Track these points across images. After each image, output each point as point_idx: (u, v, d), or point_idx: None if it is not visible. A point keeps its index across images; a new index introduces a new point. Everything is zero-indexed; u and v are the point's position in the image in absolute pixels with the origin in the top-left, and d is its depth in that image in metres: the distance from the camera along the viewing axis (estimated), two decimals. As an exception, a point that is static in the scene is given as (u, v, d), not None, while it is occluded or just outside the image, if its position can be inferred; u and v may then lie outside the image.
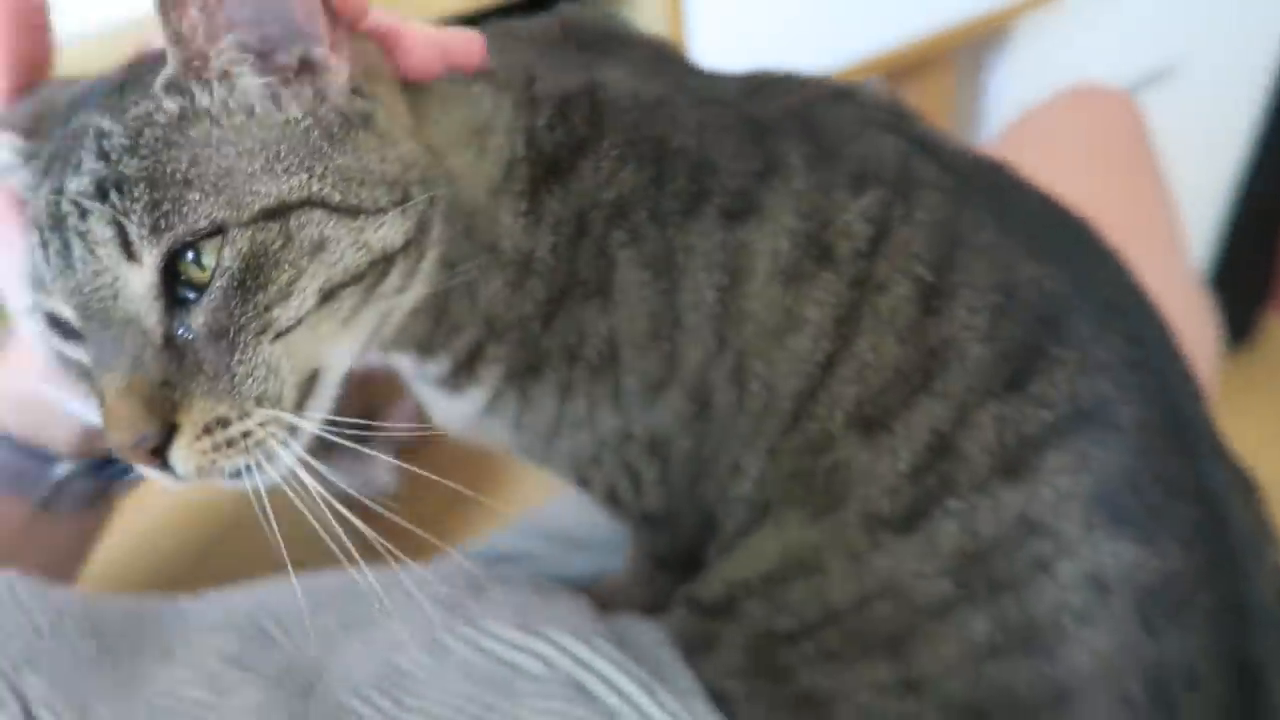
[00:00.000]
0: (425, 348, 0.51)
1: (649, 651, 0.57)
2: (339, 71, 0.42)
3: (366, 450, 0.46)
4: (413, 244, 0.43)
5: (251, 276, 0.38)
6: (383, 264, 0.42)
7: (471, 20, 0.57)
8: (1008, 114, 1.65)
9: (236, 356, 0.38)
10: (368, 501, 0.44)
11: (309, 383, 0.42)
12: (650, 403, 0.51)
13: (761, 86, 0.54)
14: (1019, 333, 0.47)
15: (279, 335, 0.39)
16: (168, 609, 0.50)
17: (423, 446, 0.59)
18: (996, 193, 0.52)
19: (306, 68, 0.41)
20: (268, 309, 0.39)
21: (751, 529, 0.52)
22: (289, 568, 0.40)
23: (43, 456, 0.52)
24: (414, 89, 0.47)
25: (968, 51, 1.60)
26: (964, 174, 0.51)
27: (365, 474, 0.65)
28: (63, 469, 0.52)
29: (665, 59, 0.55)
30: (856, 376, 0.48)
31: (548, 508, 0.83)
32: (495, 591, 0.60)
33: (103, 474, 0.52)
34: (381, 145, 0.43)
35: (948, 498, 0.46)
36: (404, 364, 0.54)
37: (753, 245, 0.49)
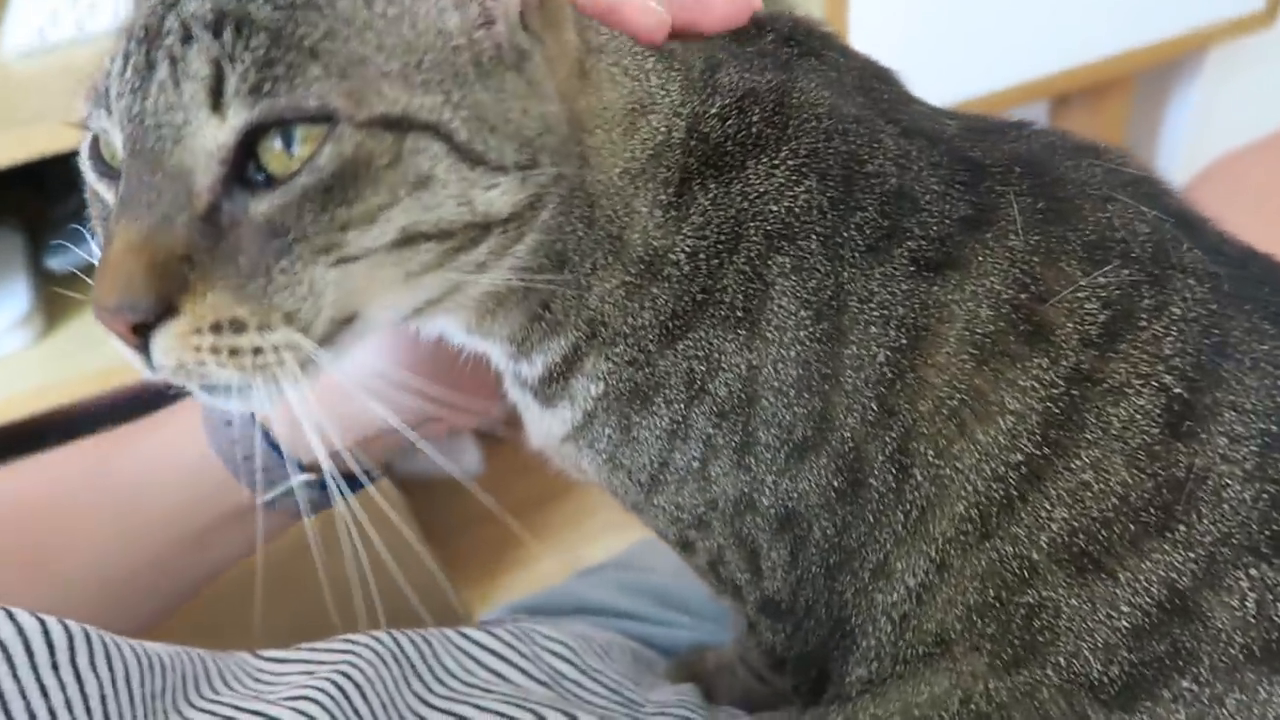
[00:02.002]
0: (519, 343, 0.45)
1: None
2: None
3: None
4: (516, 220, 0.38)
5: (340, 186, 0.34)
6: (477, 230, 0.37)
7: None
8: (1190, 149, 1.51)
9: (283, 263, 0.34)
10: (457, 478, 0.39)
11: (341, 324, 0.37)
12: (790, 467, 0.43)
13: (988, 129, 0.46)
14: None
15: (340, 260, 0.35)
16: (231, 660, 0.46)
17: (513, 434, 0.54)
18: (1278, 291, 0.42)
19: None
20: (343, 228, 0.34)
21: (914, 662, 0.43)
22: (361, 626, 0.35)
23: (289, 460, 0.50)
24: (590, 52, 0.42)
25: (1151, 76, 1.47)
26: (1236, 263, 0.42)
27: (452, 454, 0.61)
28: (301, 478, 0.49)
29: (876, 78, 0.48)
30: (1070, 499, 0.39)
31: (654, 557, 0.75)
32: (595, 663, 0.53)
33: (324, 492, 0.50)
34: (528, 95, 0.38)
35: (1181, 676, 0.37)
36: (496, 356, 0.47)
37: (946, 305, 0.41)
